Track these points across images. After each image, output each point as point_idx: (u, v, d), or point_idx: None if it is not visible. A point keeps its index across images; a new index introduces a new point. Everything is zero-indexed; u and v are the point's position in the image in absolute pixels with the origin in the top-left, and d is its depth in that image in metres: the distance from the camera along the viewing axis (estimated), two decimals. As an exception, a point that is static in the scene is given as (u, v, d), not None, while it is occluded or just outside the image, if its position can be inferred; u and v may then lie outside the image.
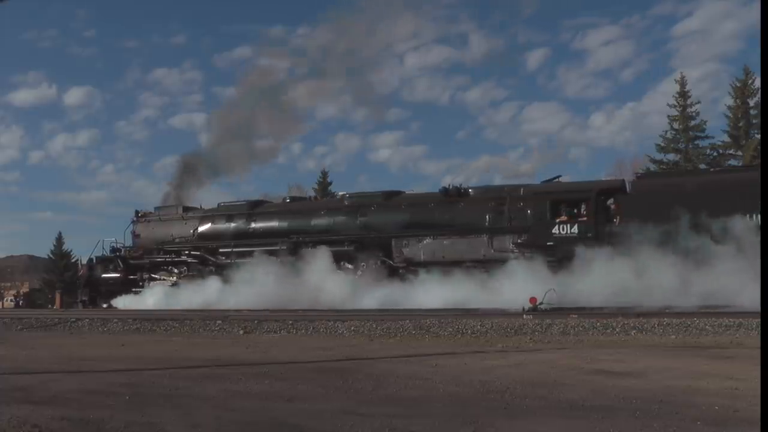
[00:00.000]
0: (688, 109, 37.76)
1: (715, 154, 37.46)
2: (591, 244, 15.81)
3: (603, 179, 18.83)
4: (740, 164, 33.46)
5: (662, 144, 38.10)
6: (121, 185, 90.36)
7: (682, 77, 38.64)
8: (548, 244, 16.75)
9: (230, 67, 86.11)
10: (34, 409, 4.68)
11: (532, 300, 14.47)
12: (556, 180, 18.99)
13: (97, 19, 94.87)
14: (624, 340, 9.82)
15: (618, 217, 16.53)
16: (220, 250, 21.90)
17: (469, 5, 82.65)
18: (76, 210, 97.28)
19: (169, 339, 11.48)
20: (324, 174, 47.78)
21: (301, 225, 20.64)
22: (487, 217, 17.92)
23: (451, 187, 19.00)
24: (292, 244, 20.29)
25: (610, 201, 16.87)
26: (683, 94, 37.93)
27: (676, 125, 37.86)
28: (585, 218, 16.79)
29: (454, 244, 18.06)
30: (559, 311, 13.69)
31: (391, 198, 20.09)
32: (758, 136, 34.24)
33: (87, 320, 14.68)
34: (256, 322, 12.89)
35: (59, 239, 52.52)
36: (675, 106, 38.03)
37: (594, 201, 16.81)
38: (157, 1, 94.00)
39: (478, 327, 11.09)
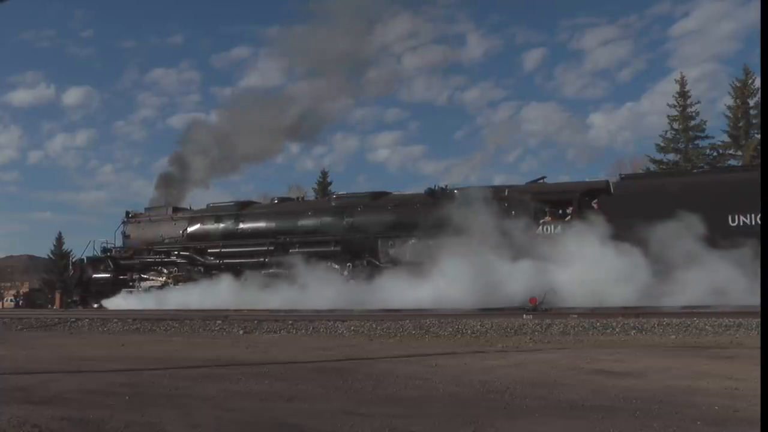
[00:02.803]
0: (688, 109, 37.78)
1: (714, 154, 37.46)
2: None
3: (587, 180, 18.89)
4: (740, 164, 33.47)
5: (662, 144, 38.11)
6: (120, 185, 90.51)
7: (682, 77, 38.70)
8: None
9: (228, 67, 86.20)
10: (34, 409, 4.68)
11: (532, 300, 14.47)
12: (541, 181, 19.07)
13: (95, 19, 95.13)
14: (624, 340, 9.82)
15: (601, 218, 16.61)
16: (209, 250, 22.02)
17: (466, 5, 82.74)
18: (76, 210, 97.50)
19: (169, 339, 11.48)
20: (324, 174, 47.85)
21: (289, 225, 20.75)
22: None
23: (436, 187, 19.12)
24: (279, 245, 20.37)
25: (594, 202, 16.94)
26: (683, 94, 37.93)
27: (675, 125, 37.87)
28: (569, 219, 16.87)
29: (439, 244, 18.08)
30: (558, 311, 13.70)
31: (377, 198, 20.20)
32: (758, 136, 34.24)
33: (87, 320, 14.69)
34: (256, 322, 12.90)
35: (59, 239, 52.60)
36: (675, 106, 38.06)
37: (578, 202, 16.92)
38: (155, 1, 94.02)
39: (478, 327, 11.09)
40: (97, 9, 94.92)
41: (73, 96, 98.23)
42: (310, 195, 35.43)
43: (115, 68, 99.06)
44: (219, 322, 13.16)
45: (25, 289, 52.04)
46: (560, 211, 17.21)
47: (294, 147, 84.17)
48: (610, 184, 17.68)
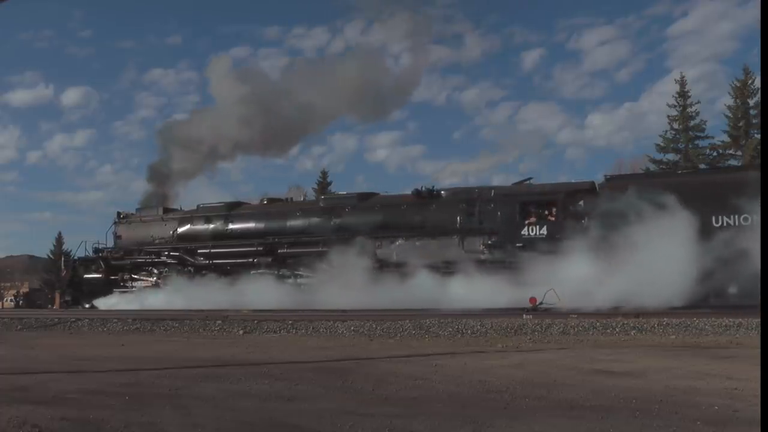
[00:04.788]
0: (688, 109, 37.76)
1: (714, 154, 37.45)
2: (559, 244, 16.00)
3: (573, 181, 18.96)
4: (740, 164, 33.48)
5: (662, 144, 38.10)
6: (120, 185, 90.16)
7: (682, 77, 38.66)
8: (518, 245, 16.84)
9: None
10: (34, 409, 4.68)
11: (532, 300, 14.47)
12: (527, 182, 19.18)
13: (94, 19, 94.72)
14: (624, 340, 9.83)
15: (586, 219, 16.68)
16: (199, 251, 22.11)
17: (464, 5, 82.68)
18: (75, 210, 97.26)
19: (169, 339, 11.49)
20: (324, 174, 47.81)
21: (278, 226, 20.89)
22: (458, 218, 18.11)
23: (423, 188, 19.23)
24: (268, 246, 20.46)
25: (580, 203, 17.00)
26: (683, 94, 37.91)
27: (675, 125, 37.86)
28: (554, 220, 16.94)
29: (425, 245, 18.13)
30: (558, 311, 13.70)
31: (365, 200, 20.34)
32: (758, 136, 34.24)
33: (87, 320, 14.68)
34: (255, 322, 12.90)
35: (59, 239, 52.63)
36: (675, 106, 38.04)
37: (563, 203, 16.98)
38: (154, 1, 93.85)
39: (478, 327, 11.09)
40: (95, 9, 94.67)
41: (71, 96, 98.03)
42: (311, 195, 35.30)
43: (113, 68, 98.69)
44: (219, 322, 13.15)
45: (25, 289, 51.98)
46: (545, 212, 17.29)
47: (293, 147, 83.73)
48: (596, 185, 17.70)
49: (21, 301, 43.00)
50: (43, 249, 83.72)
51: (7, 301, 50.92)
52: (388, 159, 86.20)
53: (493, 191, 18.28)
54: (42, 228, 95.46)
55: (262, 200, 23.81)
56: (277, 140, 28.96)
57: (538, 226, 16.98)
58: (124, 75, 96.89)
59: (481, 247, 17.68)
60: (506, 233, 17.28)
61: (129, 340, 11.17)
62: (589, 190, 17.34)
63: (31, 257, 61.73)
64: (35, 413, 4.54)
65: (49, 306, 31.29)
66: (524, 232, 17.06)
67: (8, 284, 56.98)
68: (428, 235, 18.30)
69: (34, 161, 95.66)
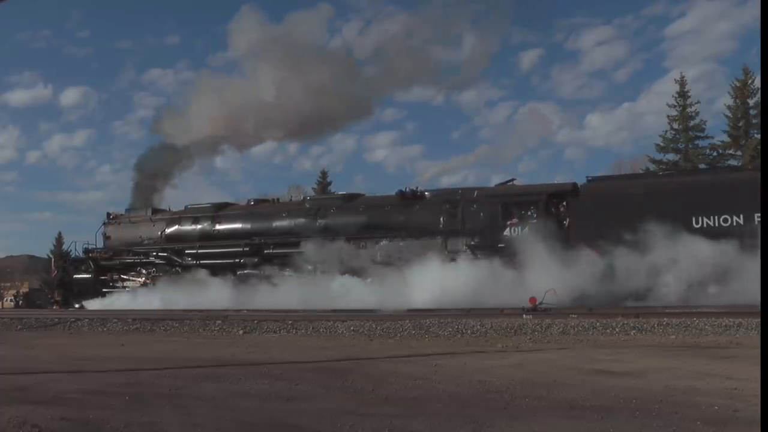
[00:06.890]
0: (688, 109, 37.77)
1: (714, 154, 37.45)
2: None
3: (555, 183, 18.96)
4: (737, 164, 33.50)
5: (662, 144, 38.11)
6: (119, 185, 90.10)
7: (682, 77, 38.66)
8: (500, 245, 16.86)
9: (225, 67, 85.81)
10: (34, 409, 4.68)
11: (532, 300, 14.46)
12: (510, 183, 19.18)
13: (92, 19, 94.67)
14: (624, 340, 9.83)
15: (568, 220, 16.66)
16: (186, 251, 22.17)
17: (462, 5, 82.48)
18: (75, 210, 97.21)
19: (169, 339, 11.49)
20: (324, 174, 47.79)
21: (264, 227, 20.96)
22: (442, 219, 18.20)
23: (407, 189, 19.32)
24: (254, 246, 20.57)
25: (563, 204, 17.05)
26: (683, 94, 37.91)
27: (675, 125, 37.86)
28: (535, 221, 16.96)
29: (409, 245, 18.17)
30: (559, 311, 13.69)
31: (350, 200, 20.46)
32: (758, 136, 34.25)
33: (87, 320, 14.69)
34: (255, 322, 12.90)
35: (59, 239, 52.59)
36: (674, 106, 38.04)
37: (544, 204, 17.03)
38: (152, 1, 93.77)
39: (478, 327, 11.10)
40: (93, 9, 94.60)
41: (70, 96, 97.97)
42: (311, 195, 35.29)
43: (112, 68, 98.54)
44: (219, 322, 13.16)
45: (24, 289, 51.96)
46: (528, 213, 17.31)
47: (292, 147, 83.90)
48: (578, 186, 17.72)
49: (21, 301, 42.96)
50: (42, 249, 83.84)
51: (7, 301, 50.89)
52: (387, 159, 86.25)
53: (476, 192, 18.38)
54: (42, 228, 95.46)
55: (248, 201, 23.90)
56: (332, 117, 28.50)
57: (520, 227, 17.02)
58: (123, 75, 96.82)
59: (464, 247, 17.75)
60: (488, 234, 17.30)
61: (129, 340, 11.17)
62: (571, 191, 17.36)
63: (31, 257, 61.67)
64: (35, 413, 4.54)
65: (50, 306, 31.33)
66: (506, 233, 17.10)
67: (8, 284, 56.96)
68: (411, 235, 18.32)
69: (33, 161, 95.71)
